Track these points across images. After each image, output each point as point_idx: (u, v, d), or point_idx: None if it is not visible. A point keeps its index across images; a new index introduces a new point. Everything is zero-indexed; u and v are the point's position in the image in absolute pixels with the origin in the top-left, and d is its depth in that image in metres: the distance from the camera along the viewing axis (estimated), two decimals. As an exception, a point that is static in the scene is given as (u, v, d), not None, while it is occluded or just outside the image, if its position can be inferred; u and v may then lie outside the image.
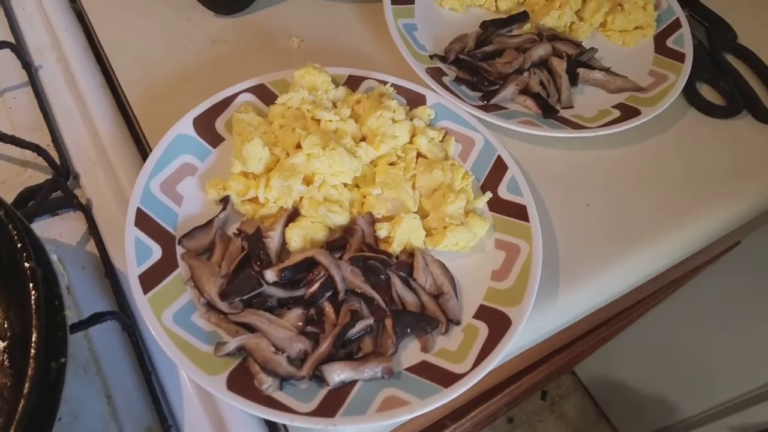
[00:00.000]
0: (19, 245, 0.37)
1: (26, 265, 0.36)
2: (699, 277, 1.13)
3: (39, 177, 0.53)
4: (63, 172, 0.52)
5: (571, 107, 0.61)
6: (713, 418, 1.39)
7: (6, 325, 0.41)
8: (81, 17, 0.63)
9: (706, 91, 0.66)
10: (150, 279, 0.45)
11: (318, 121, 0.53)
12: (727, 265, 1.05)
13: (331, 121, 0.52)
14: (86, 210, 0.51)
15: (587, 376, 1.84)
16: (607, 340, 1.40)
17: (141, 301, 0.43)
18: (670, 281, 0.91)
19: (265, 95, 0.55)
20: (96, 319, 0.44)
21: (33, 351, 0.34)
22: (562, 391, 1.86)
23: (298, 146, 0.50)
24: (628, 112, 0.59)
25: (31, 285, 0.36)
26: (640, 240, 0.54)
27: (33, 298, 0.36)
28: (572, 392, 1.86)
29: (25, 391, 0.34)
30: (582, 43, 0.66)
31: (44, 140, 0.54)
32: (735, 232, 0.63)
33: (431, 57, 0.62)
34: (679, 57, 0.65)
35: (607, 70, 0.64)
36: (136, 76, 0.58)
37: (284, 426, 0.42)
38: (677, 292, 1.19)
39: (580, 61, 0.63)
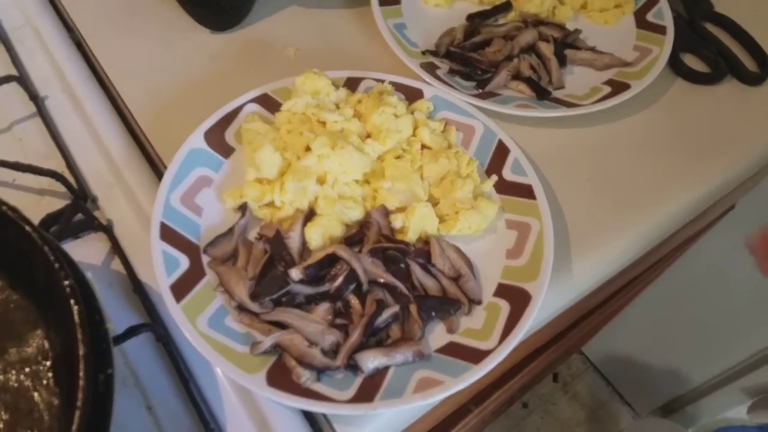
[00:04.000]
0: (56, 265, 0.38)
1: (65, 283, 0.38)
2: (696, 245, 1.15)
3: (57, 203, 0.54)
4: (82, 196, 0.54)
5: (563, 87, 0.63)
6: (725, 383, 1.41)
7: (48, 346, 0.42)
8: (80, 46, 0.64)
9: (690, 60, 0.68)
10: (181, 288, 0.46)
11: (324, 123, 0.54)
12: (723, 229, 1.08)
13: (336, 121, 0.54)
14: (108, 230, 0.53)
15: (596, 355, 1.86)
16: (611, 317, 1.42)
17: (175, 310, 0.45)
18: (671, 249, 0.93)
19: (270, 104, 0.57)
20: (132, 332, 0.45)
21: (82, 363, 0.35)
22: (572, 372, 1.88)
23: (308, 149, 0.52)
24: (618, 87, 0.61)
25: (72, 302, 0.37)
26: (644, 207, 0.56)
27: (76, 314, 0.37)
28: (583, 372, 1.88)
29: (79, 402, 0.35)
30: (566, 26, 0.68)
31: (59, 167, 0.55)
32: (730, 194, 0.65)
33: (423, 53, 0.64)
34: (661, 30, 0.67)
35: (593, 49, 0.66)
36: (142, 98, 0.59)
37: (324, 417, 0.44)
38: (677, 262, 1.21)
39: (566, 42, 0.66)
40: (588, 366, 1.89)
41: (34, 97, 0.60)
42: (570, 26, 0.69)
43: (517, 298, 0.48)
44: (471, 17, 0.68)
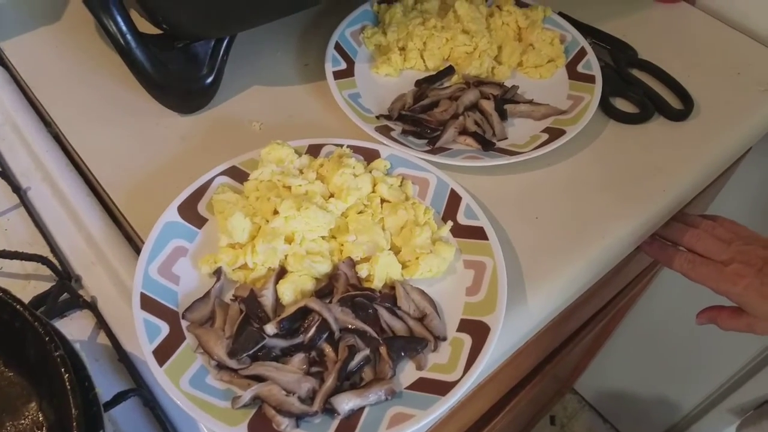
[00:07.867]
0: (47, 339, 0.42)
1: (56, 354, 0.41)
2: (663, 272, 1.20)
3: (42, 286, 0.57)
4: (66, 276, 0.57)
5: (506, 138, 0.69)
6: (712, 406, 1.43)
7: (41, 418, 0.45)
8: (58, 138, 0.69)
9: (620, 104, 0.75)
10: (163, 353, 0.49)
11: (289, 187, 0.59)
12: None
13: (300, 185, 0.59)
14: (92, 306, 0.56)
15: (590, 393, 1.87)
16: (594, 352, 1.45)
17: (158, 374, 0.48)
18: (635, 277, 0.98)
19: (238, 175, 0.62)
20: (121, 397, 0.48)
21: (75, 425, 0.38)
22: (569, 412, 1.88)
23: (275, 212, 0.57)
24: (555, 134, 0.67)
25: (63, 370, 0.40)
26: (589, 238, 0.61)
27: (67, 381, 0.40)
28: (579, 412, 1.89)
29: (73, 463, 0.38)
30: (504, 83, 0.75)
31: (43, 252, 0.59)
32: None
33: (377, 117, 0.70)
34: (591, 79, 0.74)
35: (530, 102, 0.73)
36: (119, 180, 0.64)
37: (307, 460, 0.46)
38: (648, 290, 1.25)
39: (505, 98, 0.72)
40: (583, 405, 1.89)
41: (17, 189, 0.64)
42: (508, 83, 0.75)
43: (477, 331, 0.52)
44: (419, 83, 0.75)
